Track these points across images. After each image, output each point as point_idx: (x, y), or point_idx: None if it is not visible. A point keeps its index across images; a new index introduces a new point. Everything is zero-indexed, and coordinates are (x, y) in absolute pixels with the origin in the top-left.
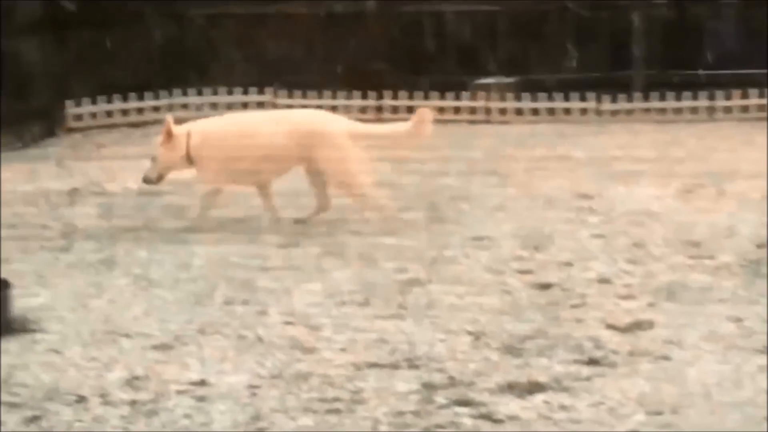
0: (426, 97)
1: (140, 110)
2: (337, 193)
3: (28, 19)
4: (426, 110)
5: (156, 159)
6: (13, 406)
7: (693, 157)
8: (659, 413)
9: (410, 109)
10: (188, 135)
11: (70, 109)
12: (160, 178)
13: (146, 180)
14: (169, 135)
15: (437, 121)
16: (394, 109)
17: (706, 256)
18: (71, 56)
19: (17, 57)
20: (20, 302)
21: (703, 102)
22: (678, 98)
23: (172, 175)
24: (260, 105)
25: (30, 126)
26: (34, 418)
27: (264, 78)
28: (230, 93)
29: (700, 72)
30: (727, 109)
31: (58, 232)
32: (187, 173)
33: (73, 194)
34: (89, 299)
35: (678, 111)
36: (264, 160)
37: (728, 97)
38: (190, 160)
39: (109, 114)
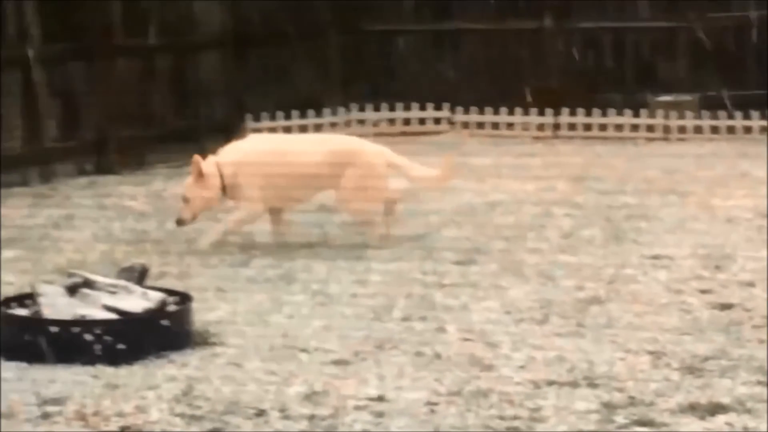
0: (603, 115)
1: (318, 126)
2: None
3: (208, 35)
4: (451, 159)
5: (188, 200)
6: (193, 418)
7: None
8: None
9: (587, 127)
10: (219, 168)
11: (249, 123)
12: (194, 218)
13: (180, 222)
14: (200, 174)
15: (615, 139)
16: (571, 126)
17: None
18: (250, 71)
19: (197, 72)
20: (201, 316)
21: None
22: None
23: None
24: (437, 121)
25: (209, 141)
26: (215, 431)
27: (441, 94)
28: (407, 109)
29: None
30: None
31: (237, 247)
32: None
33: None
34: (268, 314)
35: None
36: (298, 181)
37: None
38: (225, 193)
39: (287, 129)
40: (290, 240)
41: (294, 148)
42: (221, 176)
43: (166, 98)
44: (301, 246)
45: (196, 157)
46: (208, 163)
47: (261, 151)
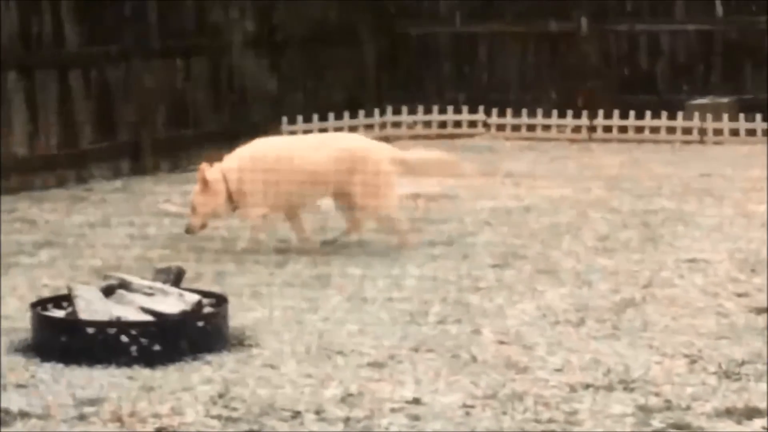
0: (639, 117)
1: (353, 128)
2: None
3: (244, 37)
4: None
5: (195, 209)
6: (229, 420)
7: None
8: None
9: (623, 129)
10: (224, 176)
11: (285, 126)
12: (203, 227)
13: (189, 231)
14: (206, 183)
15: (651, 141)
16: (607, 129)
17: None
18: (286, 73)
19: (233, 74)
20: (237, 318)
21: None
22: None
23: None
24: (472, 124)
25: (244, 142)
26: None
27: (476, 97)
28: (442, 111)
29: None
30: None
31: (273, 248)
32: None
33: None
34: (304, 316)
35: None
36: (304, 185)
37: None
38: (232, 200)
39: (322, 131)
40: (314, 241)
41: (299, 153)
42: (226, 183)
43: (201, 100)
44: (337, 247)
45: (202, 165)
46: (213, 171)
47: (265, 156)
